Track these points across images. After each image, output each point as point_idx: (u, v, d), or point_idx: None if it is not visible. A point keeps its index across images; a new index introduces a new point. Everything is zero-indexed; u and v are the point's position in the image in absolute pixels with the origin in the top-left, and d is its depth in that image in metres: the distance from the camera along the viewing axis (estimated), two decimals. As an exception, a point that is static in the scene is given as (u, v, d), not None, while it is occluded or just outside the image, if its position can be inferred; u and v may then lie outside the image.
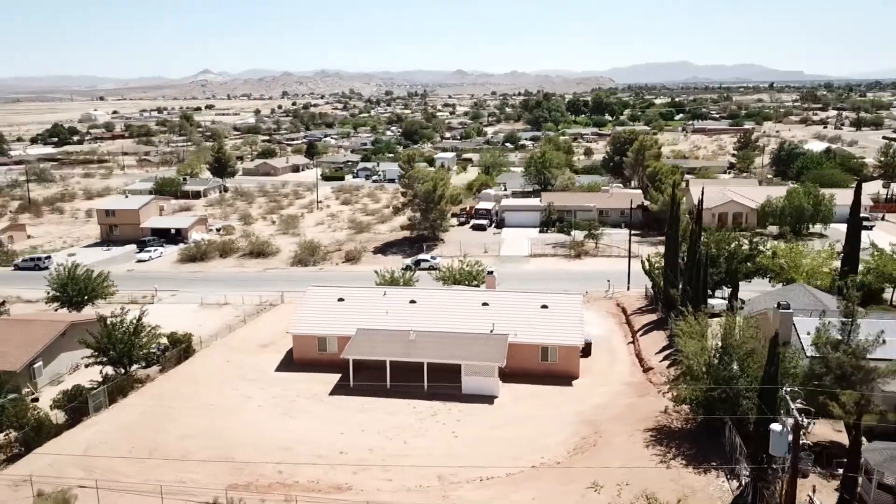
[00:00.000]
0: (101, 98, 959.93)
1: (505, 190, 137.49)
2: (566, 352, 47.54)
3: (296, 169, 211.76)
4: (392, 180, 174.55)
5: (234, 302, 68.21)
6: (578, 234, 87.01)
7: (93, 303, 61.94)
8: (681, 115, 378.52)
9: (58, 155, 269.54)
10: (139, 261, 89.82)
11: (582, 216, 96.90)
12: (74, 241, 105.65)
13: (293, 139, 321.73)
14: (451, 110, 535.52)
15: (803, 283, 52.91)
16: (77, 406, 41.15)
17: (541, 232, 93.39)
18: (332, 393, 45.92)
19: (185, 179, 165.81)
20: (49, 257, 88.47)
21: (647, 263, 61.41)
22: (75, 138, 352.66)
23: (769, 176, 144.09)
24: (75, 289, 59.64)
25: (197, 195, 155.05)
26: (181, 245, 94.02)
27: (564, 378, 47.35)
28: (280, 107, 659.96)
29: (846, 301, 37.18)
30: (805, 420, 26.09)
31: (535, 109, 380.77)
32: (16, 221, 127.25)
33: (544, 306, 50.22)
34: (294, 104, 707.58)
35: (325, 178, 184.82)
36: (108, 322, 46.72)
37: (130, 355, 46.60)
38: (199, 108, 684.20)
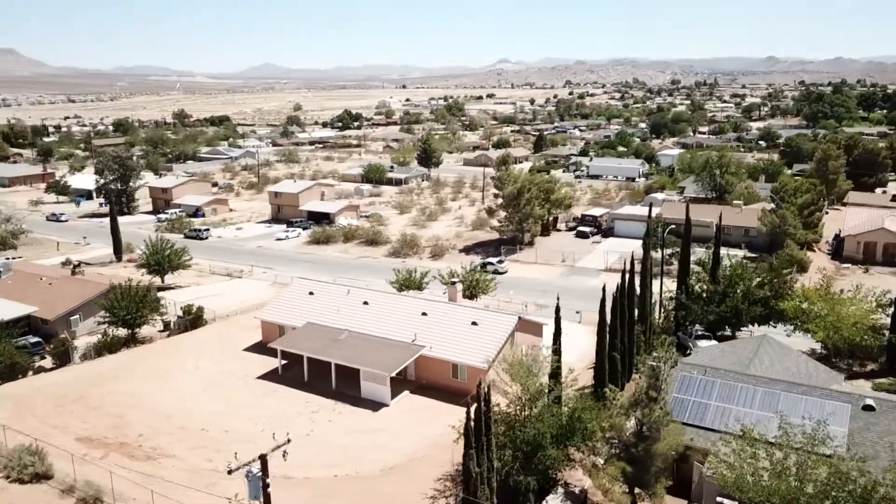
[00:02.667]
0: (403, 86, 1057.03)
1: (681, 195, 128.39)
2: (473, 372, 46.62)
3: (514, 161, 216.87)
4: (597, 176, 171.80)
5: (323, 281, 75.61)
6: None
7: (173, 272, 74.09)
8: None
9: (330, 138, 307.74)
10: (277, 239, 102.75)
11: (697, 232, 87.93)
12: (257, 216, 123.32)
13: (543, 130, 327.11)
14: (739, 101, 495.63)
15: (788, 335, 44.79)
16: (62, 353, 51.66)
17: (660, 246, 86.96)
18: (261, 377, 50.82)
19: (392, 167, 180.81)
20: (208, 229, 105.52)
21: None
22: (355, 124, 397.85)
23: None
24: (154, 259, 72.13)
25: (399, 182, 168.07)
26: (313, 228, 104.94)
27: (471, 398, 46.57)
28: (556, 96, 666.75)
29: (656, 363, 32.11)
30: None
31: (814, 104, 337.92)
32: (238, 195, 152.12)
33: (474, 323, 49.49)
34: (570, 93, 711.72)
35: (531, 171, 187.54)
36: (117, 289, 56.82)
37: (134, 319, 56.30)
38: (480, 97, 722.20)
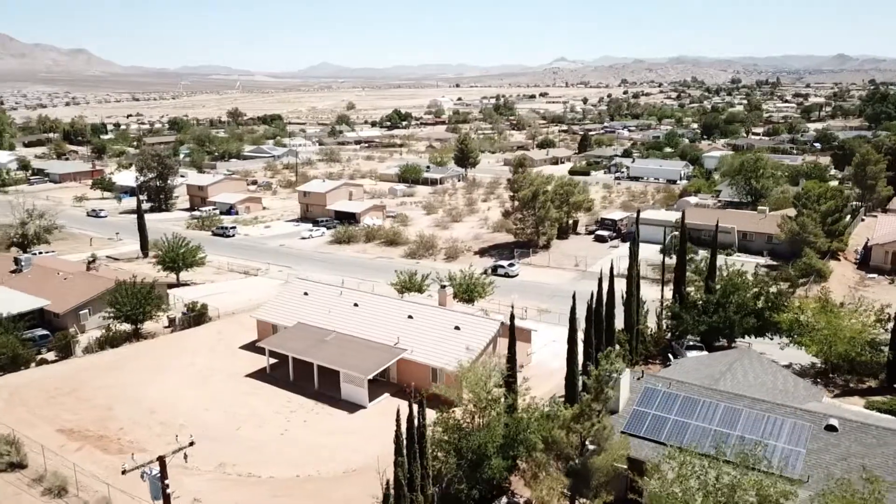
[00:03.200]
0: (457, 85, 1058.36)
1: (716, 199, 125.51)
2: (450, 377, 46.67)
3: (555, 161, 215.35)
4: (637, 178, 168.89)
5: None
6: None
7: (187, 269, 76.11)
8: None
9: (376, 138, 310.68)
10: (301, 238, 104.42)
11: (718, 237, 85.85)
12: (289, 215, 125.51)
13: (591, 130, 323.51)
14: (801, 101, 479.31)
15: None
16: (64, 346, 53.82)
17: (661, 252, 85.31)
18: (249, 375, 51.93)
19: (428, 167, 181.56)
20: (234, 227, 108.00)
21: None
22: (403, 123, 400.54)
23: None
24: (170, 256, 74.27)
25: (434, 182, 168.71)
26: (335, 228, 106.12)
27: (448, 403, 46.56)
28: (609, 95, 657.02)
29: (598, 372, 31.44)
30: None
31: (877, 104, 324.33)
32: (275, 193, 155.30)
33: (457, 328, 49.47)
34: (625, 92, 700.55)
35: (571, 172, 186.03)
36: (122, 285, 58.78)
37: (136, 315, 58.19)
38: (533, 96, 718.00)
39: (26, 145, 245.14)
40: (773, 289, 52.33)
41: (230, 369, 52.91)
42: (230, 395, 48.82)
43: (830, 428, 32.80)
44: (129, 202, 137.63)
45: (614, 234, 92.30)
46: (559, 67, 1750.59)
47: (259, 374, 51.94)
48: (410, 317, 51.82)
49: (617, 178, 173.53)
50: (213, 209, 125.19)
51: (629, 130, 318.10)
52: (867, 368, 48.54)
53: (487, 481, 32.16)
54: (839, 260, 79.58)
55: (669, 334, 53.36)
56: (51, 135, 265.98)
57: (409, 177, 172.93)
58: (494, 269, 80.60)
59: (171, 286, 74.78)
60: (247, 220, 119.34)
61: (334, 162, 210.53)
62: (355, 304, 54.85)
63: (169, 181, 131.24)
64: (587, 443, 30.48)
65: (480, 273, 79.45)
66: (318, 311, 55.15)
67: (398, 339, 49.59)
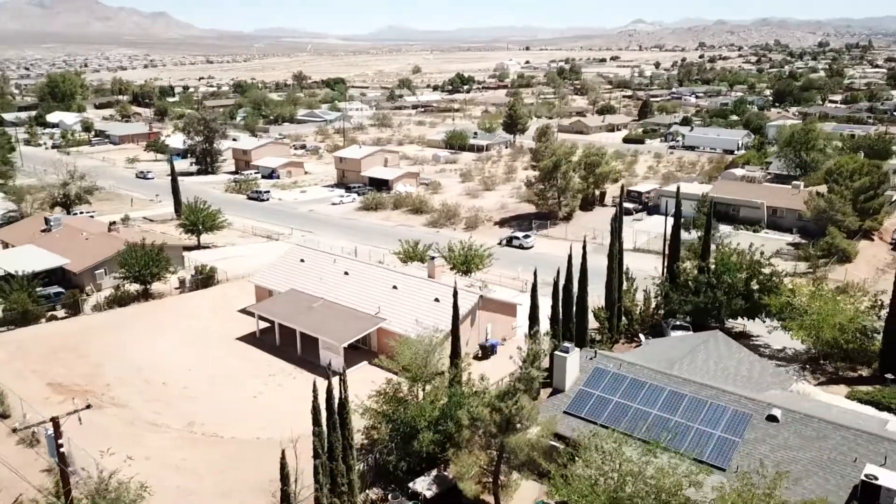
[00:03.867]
0: (527, 48, 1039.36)
1: (766, 170, 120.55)
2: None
3: (611, 128, 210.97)
4: (693, 147, 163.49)
5: (334, 248, 78.00)
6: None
7: (207, 232, 78.55)
8: None
9: (433, 102, 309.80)
10: (332, 204, 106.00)
11: (746, 213, 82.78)
12: (328, 180, 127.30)
13: (656, 96, 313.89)
14: (894, 66, 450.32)
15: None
16: (73, 304, 56.87)
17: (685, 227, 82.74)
18: (240, 338, 53.68)
19: (475, 134, 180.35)
20: (269, 191, 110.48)
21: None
22: (464, 87, 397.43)
23: None
24: (190, 219, 76.83)
25: (480, 149, 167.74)
26: (364, 195, 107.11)
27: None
28: (684, 59, 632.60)
29: (531, 342, 31.16)
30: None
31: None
32: (320, 158, 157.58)
33: (437, 300, 49.76)
34: (701, 56, 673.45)
35: (626, 140, 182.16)
36: (131, 247, 61.34)
37: (144, 275, 60.77)
38: (604, 60, 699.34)
39: (97, 107, 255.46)
40: (766, 270, 50.33)
41: (224, 332, 54.83)
42: (217, 356, 50.69)
43: (771, 418, 31.81)
44: (180, 164, 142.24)
45: (640, 207, 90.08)
46: (635, 30, 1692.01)
47: (249, 338, 53.67)
48: (395, 287, 52.37)
49: (671, 148, 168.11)
50: (256, 173, 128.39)
51: (696, 97, 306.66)
52: (860, 356, 46.49)
53: (417, 454, 32.66)
54: (872, 240, 75.59)
55: (659, 313, 52.15)
56: (120, 97, 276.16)
57: (455, 143, 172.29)
58: (510, 241, 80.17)
59: (191, 248, 77.70)
60: (285, 185, 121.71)
61: (385, 127, 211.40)
62: (346, 273, 55.74)
63: (215, 144, 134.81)
64: (507, 421, 30.48)
65: (496, 244, 79.84)
66: (310, 278, 56.34)
67: (379, 309, 50.28)
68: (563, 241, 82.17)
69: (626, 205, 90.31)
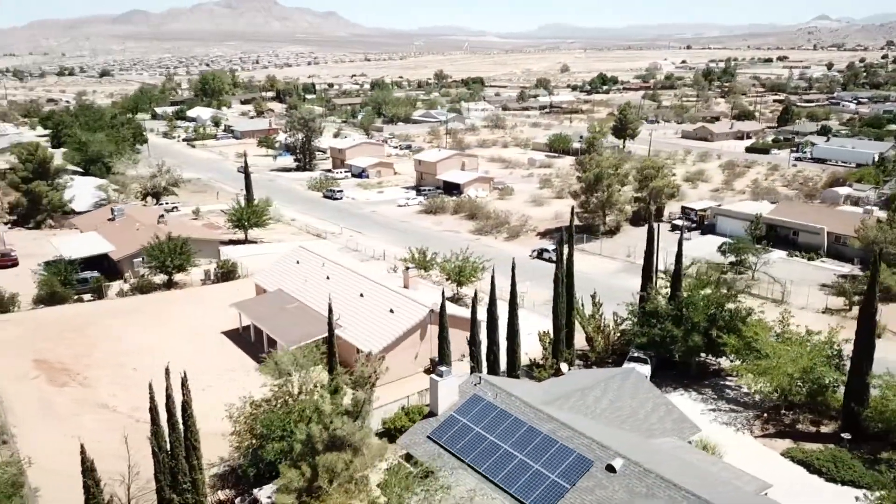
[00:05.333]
0: (688, 47, 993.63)
1: (875, 190, 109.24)
2: (374, 358, 48.11)
3: (740, 136, 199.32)
4: (822, 160, 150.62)
5: (370, 250, 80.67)
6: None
7: (252, 228, 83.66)
8: None
9: (564, 103, 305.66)
10: (398, 205, 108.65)
11: (805, 239, 75.53)
12: (412, 182, 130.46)
13: (811, 101, 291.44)
14: None
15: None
16: (97, 289, 63.25)
17: (720, 250, 76.51)
18: (224, 332, 57.30)
19: (580, 138, 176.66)
20: (342, 190, 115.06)
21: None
22: (604, 87, 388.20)
23: None
24: (237, 216, 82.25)
25: (583, 154, 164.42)
26: (430, 198, 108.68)
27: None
28: (863, 60, 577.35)
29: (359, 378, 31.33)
30: None
31: None
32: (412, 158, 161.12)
33: (392, 311, 50.48)
34: (884, 57, 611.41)
35: (749, 149, 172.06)
36: (157, 240, 66.96)
37: (167, 266, 66.27)
38: (770, 60, 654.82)
39: (242, 103, 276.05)
40: (730, 305, 46.42)
41: (216, 325, 58.65)
42: (195, 348, 54.44)
43: (610, 468, 29.94)
44: (284, 160, 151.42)
45: (693, 225, 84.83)
46: (816, 27, 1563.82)
47: (233, 334, 57.13)
48: (362, 295, 53.65)
49: (797, 160, 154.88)
50: (346, 171, 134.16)
51: (858, 103, 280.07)
52: (826, 411, 41.93)
53: (268, 463, 33.93)
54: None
55: (617, 343, 49.64)
56: (264, 94, 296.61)
57: (558, 147, 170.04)
58: (540, 253, 78.76)
59: (238, 242, 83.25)
60: (369, 185, 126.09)
61: (498, 129, 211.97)
62: (327, 277, 57.75)
63: (313, 142, 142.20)
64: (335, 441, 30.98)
65: (528, 255, 78.78)
66: (297, 280, 58.93)
67: (339, 315, 51.72)
68: (596, 256, 79.91)
69: (678, 222, 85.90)
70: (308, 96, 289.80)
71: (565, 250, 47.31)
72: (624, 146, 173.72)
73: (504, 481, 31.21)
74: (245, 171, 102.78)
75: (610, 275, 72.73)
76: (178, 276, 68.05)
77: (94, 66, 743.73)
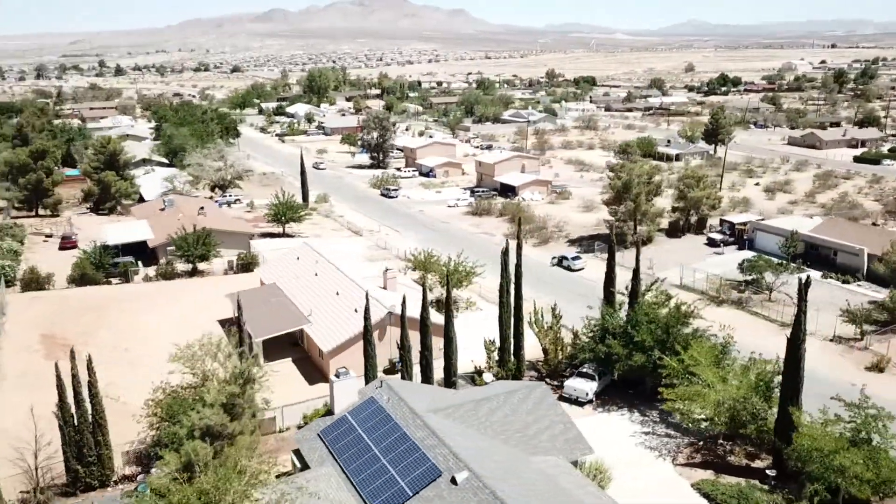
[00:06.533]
0: (832, 45, 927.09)
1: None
2: (326, 355, 50.05)
3: (854, 144, 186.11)
4: None
5: (397, 250, 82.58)
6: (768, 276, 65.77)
7: (290, 222, 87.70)
8: None
9: (673, 105, 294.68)
10: (448, 206, 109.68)
11: (844, 259, 69.92)
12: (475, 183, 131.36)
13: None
14: None
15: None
16: (124, 273, 69.00)
17: (740, 268, 71.88)
18: (221, 320, 60.95)
19: (668, 142, 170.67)
20: (398, 189, 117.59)
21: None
22: (722, 89, 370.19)
23: None
24: (274, 210, 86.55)
25: (669, 159, 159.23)
26: (473, 200, 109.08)
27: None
28: None
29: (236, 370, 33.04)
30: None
31: None
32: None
33: (356, 310, 51.94)
34: None
35: (857, 159, 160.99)
36: (181, 231, 71.93)
37: (189, 255, 71.16)
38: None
39: (347, 100, 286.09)
40: (687, 330, 44.36)
41: (216, 312, 62.50)
42: (185, 332, 57.83)
43: (454, 480, 30.12)
44: (361, 158, 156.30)
45: (729, 240, 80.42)
46: None
47: (227, 322, 60.69)
48: (338, 293, 55.55)
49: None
50: (413, 170, 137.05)
51: None
52: (764, 444, 39.55)
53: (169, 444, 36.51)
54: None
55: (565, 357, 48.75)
56: (369, 91, 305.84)
57: (641, 150, 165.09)
58: (560, 261, 77.72)
59: (276, 236, 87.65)
60: (432, 184, 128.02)
61: (589, 130, 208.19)
62: (315, 274, 60.13)
63: (387, 141, 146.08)
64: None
65: (550, 262, 78.07)
66: (290, 275, 61.72)
67: (311, 311, 54.01)
68: (619, 267, 77.23)
69: (714, 236, 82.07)
70: (411, 94, 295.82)
71: (512, 259, 46.95)
72: (715, 152, 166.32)
73: (361, 483, 32.08)
74: (301, 167, 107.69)
75: (620, 286, 70.64)
76: (201, 265, 72.73)
77: (232, 62, 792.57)
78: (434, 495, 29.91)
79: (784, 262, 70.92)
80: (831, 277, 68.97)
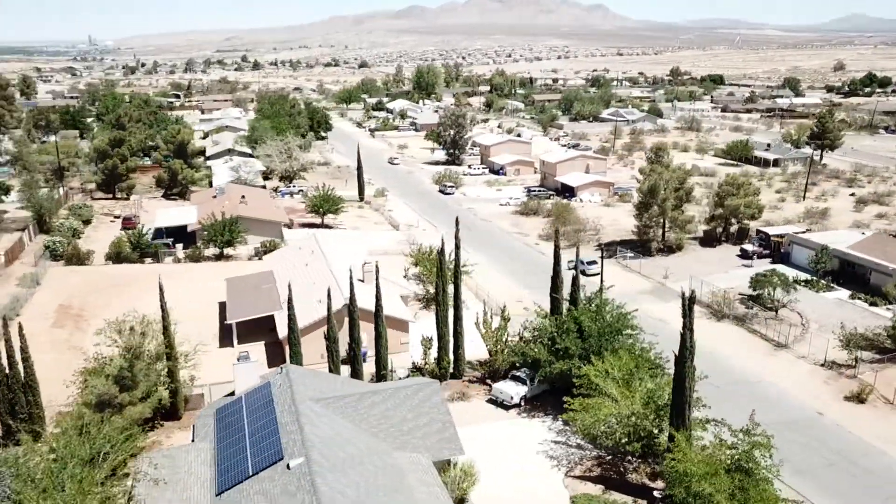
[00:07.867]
0: None
1: None
2: (283, 341, 52.47)
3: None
4: None
5: (421, 244, 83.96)
6: (778, 292, 61.42)
7: (328, 213, 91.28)
8: None
9: (800, 106, 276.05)
10: (500, 204, 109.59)
11: (876, 279, 63.81)
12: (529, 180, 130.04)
13: None
14: None
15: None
16: (154, 254, 75.06)
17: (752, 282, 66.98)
18: (222, 302, 65.08)
19: (768, 146, 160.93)
20: (454, 186, 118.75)
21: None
22: (866, 90, 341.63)
23: None
24: (314, 203, 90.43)
25: (767, 164, 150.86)
26: (518, 200, 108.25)
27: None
28: None
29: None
30: None
31: None
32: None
33: (320, 301, 53.92)
34: None
35: None
36: (210, 219, 76.98)
37: (216, 241, 76.20)
38: None
39: (454, 96, 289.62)
40: (630, 340, 42.88)
41: (223, 295, 66.80)
42: (184, 313, 62.51)
43: (288, 466, 31.48)
44: (439, 154, 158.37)
45: (763, 251, 75.26)
46: None
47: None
48: (314, 283, 57.93)
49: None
50: (483, 168, 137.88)
51: None
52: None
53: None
54: None
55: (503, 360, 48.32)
56: (478, 88, 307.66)
57: (737, 153, 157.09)
58: (575, 266, 75.99)
59: (315, 226, 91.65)
60: (496, 182, 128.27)
61: (690, 131, 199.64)
62: (306, 265, 62.85)
63: (462, 137, 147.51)
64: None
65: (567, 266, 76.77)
66: (287, 264, 64.86)
67: (283, 299, 56.64)
68: (634, 274, 75.32)
69: (747, 247, 77.39)
70: (519, 91, 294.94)
71: (449, 259, 47.23)
72: (822, 157, 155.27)
73: (221, 458, 34.17)
74: (357, 162, 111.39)
75: (627, 295, 68.30)
76: (228, 250, 77.65)
77: (367, 58, 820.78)
78: (268, 477, 31.44)
79: (813, 278, 66.28)
80: (858, 298, 63.37)
